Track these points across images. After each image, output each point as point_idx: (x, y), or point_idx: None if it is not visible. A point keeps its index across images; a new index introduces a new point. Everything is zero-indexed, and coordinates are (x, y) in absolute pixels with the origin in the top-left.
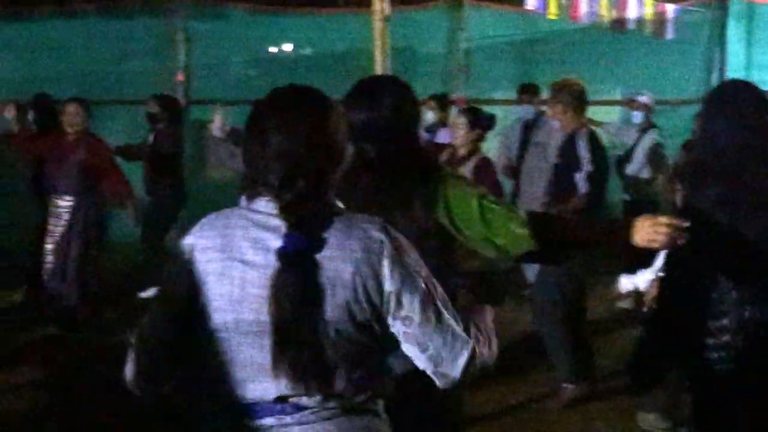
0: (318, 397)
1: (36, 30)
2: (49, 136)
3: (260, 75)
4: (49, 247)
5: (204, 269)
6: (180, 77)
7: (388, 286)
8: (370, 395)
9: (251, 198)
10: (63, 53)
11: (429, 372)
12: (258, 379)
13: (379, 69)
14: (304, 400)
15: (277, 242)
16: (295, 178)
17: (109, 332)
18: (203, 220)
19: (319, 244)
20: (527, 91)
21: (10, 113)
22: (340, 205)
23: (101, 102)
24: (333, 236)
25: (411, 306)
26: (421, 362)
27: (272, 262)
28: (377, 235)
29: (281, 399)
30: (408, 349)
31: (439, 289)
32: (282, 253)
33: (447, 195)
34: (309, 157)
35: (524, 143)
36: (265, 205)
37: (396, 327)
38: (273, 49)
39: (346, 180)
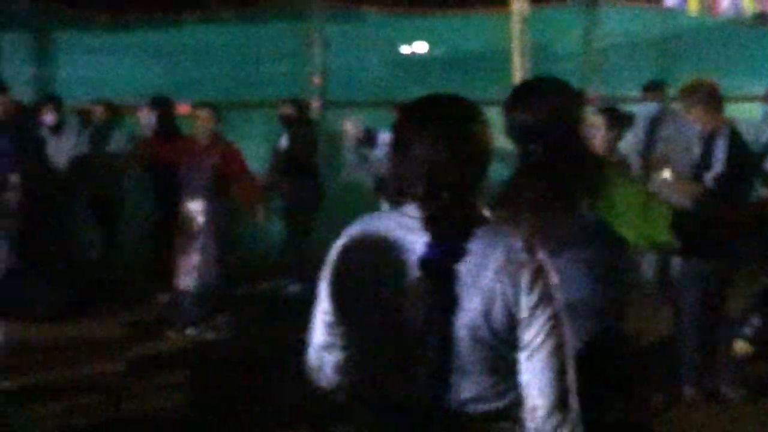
0: (455, 402)
1: (178, 36)
2: (179, 140)
3: (395, 76)
4: (180, 250)
5: (351, 269)
6: (316, 79)
7: (525, 300)
8: (510, 402)
9: (399, 202)
10: (204, 58)
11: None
12: (399, 381)
13: (517, 69)
14: (441, 404)
15: (422, 247)
16: (439, 190)
17: (248, 332)
18: (354, 224)
19: (461, 254)
20: (653, 88)
21: (146, 117)
22: (486, 213)
23: (240, 105)
24: (475, 245)
25: (537, 327)
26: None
27: (416, 265)
28: (520, 247)
29: (420, 402)
30: (523, 373)
31: (568, 333)
32: (423, 262)
33: (610, 189)
34: (454, 169)
35: (651, 140)
36: (412, 209)
37: (527, 339)
38: (407, 50)
39: (513, 182)
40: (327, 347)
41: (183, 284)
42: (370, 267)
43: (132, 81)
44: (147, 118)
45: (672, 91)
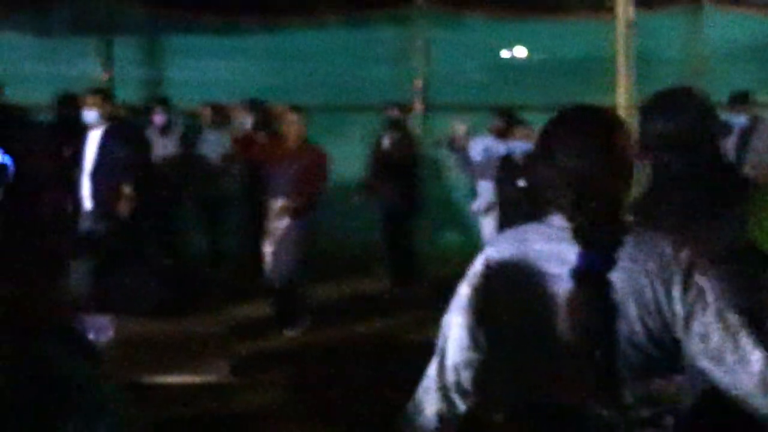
0: (608, 409)
1: (285, 40)
2: (270, 141)
3: (495, 81)
4: (267, 248)
5: (498, 279)
6: (418, 83)
7: (680, 302)
8: (660, 410)
9: (544, 213)
10: (309, 61)
11: (729, 394)
12: (551, 389)
13: (622, 75)
14: (603, 412)
15: (572, 255)
16: (586, 201)
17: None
18: (500, 235)
19: (612, 262)
20: (739, 100)
21: (242, 118)
22: (633, 219)
23: (343, 108)
24: (626, 252)
25: (703, 325)
26: (716, 380)
27: (567, 275)
28: (671, 251)
29: (582, 410)
30: (703, 366)
31: (735, 313)
32: (576, 272)
33: (757, 207)
34: (600, 179)
35: (742, 151)
36: (559, 219)
37: (688, 344)
38: (508, 55)
39: (651, 192)
40: (466, 364)
41: (270, 283)
42: (521, 280)
43: (239, 84)
44: (242, 119)
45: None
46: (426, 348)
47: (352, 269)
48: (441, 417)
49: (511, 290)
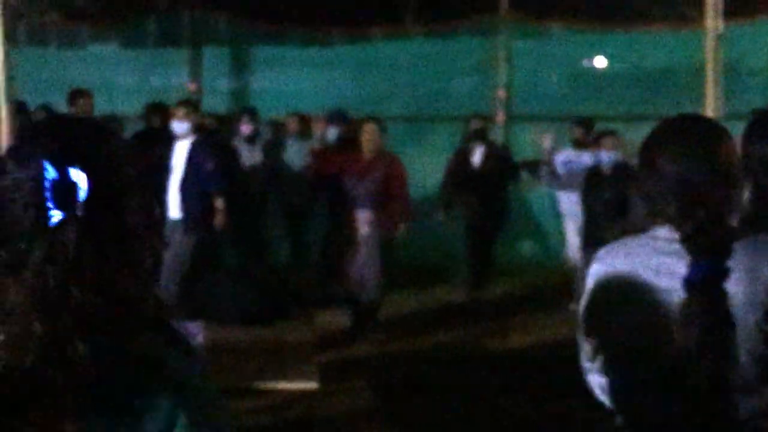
0: (738, 419)
1: (369, 51)
2: (347, 153)
3: (578, 91)
4: (348, 258)
5: (609, 295)
6: (501, 94)
7: None
8: None
9: (650, 225)
10: (393, 72)
11: None
12: (678, 403)
13: (710, 86)
14: (724, 423)
15: (680, 267)
16: (694, 209)
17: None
18: (608, 247)
19: (725, 271)
20: None
21: (323, 130)
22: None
23: (426, 119)
24: (739, 261)
25: None
26: None
27: (677, 287)
28: None
29: (703, 421)
30: None
31: None
32: (688, 283)
33: None
34: (706, 187)
35: None
36: (665, 231)
37: None
38: (590, 66)
39: (755, 216)
40: (590, 371)
41: (350, 293)
42: (631, 295)
43: (324, 94)
44: (324, 131)
45: None
46: (503, 357)
47: (431, 279)
48: None
49: (622, 307)
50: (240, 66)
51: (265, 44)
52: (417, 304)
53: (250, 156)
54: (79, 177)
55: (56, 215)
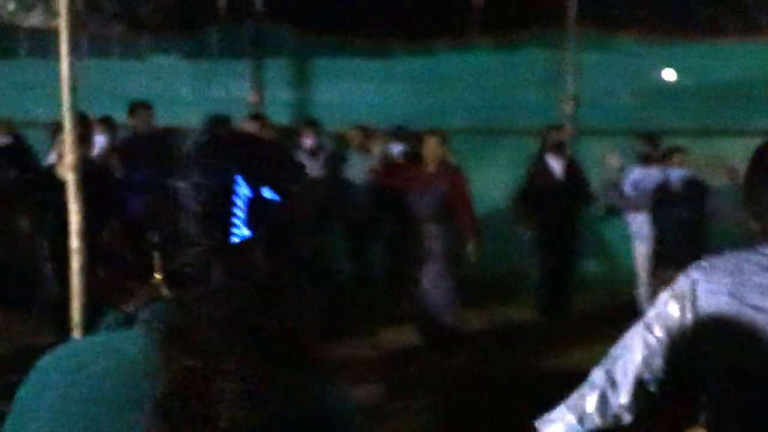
0: None
1: (433, 63)
2: (410, 167)
3: (646, 104)
4: (417, 275)
5: (709, 312)
6: (568, 106)
7: None
8: None
9: (762, 241)
10: (457, 85)
11: None
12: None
13: None
14: None
15: None
16: None
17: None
18: (709, 261)
19: None
20: None
21: (386, 144)
22: None
23: (492, 131)
24: None
25: None
26: None
27: None
28: None
29: None
30: None
31: None
32: None
33: None
34: None
35: None
36: None
37: None
38: (659, 78)
39: None
40: (629, 407)
41: (418, 308)
42: (738, 315)
43: (387, 107)
44: (385, 145)
45: None
46: (568, 377)
47: (499, 296)
48: None
49: (726, 326)
50: (302, 78)
51: (327, 56)
52: (484, 322)
53: (312, 169)
54: (272, 198)
55: (241, 232)
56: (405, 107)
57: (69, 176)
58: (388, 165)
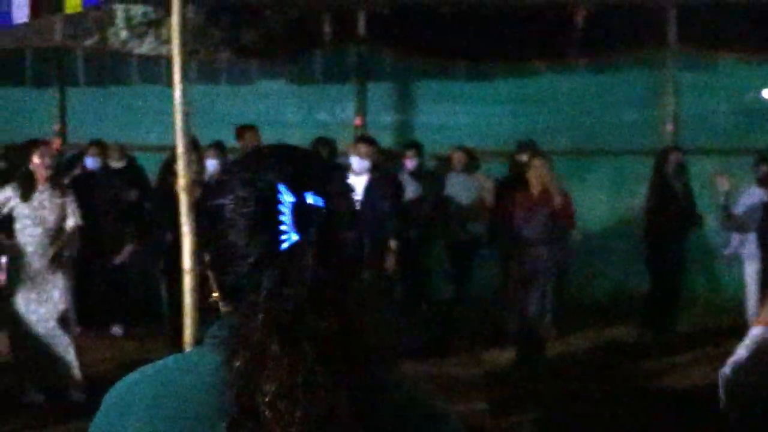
0: None
1: (532, 84)
2: (517, 189)
3: (747, 124)
4: (522, 295)
5: None
6: (669, 127)
7: None
8: None
9: None
10: (556, 106)
11: None
12: None
13: None
14: None
15: None
16: None
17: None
18: None
19: None
20: None
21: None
22: None
23: (591, 152)
24: None
25: None
26: None
27: None
28: None
29: None
30: None
31: None
32: None
33: None
34: None
35: None
36: None
37: None
38: (761, 97)
39: None
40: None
41: (521, 328)
42: None
43: (488, 128)
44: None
45: None
46: (677, 395)
47: (603, 315)
48: None
49: None
50: (404, 101)
51: (429, 79)
52: (588, 340)
53: (414, 190)
54: (315, 202)
55: (289, 238)
56: (505, 129)
57: (182, 198)
58: (498, 187)
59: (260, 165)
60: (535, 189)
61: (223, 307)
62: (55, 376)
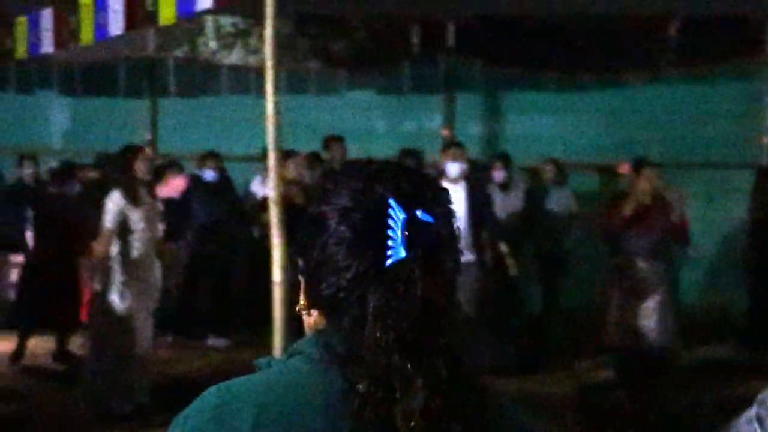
0: None
1: (623, 95)
2: (622, 199)
3: None
4: (622, 309)
5: None
6: (766, 140)
7: None
8: None
9: None
10: (648, 117)
11: None
12: None
13: None
14: None
15: None
16: None
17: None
18: None
19: None
20: None
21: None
22: None
23: (684, 165)
24: None
25: None
26: None
27: None
28: None
29: None
30: None
31: None
32: None
33: None
34: None
35: None
36: None
37: None
38: None
39: None
40: None
41: (625, 343)
42: None
43: (577, 140)
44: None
45: None
46: None
47: (703, 330)
48: None
49: None
50: (492, 112)
51: (518, 90)
52: (689, 355)
53: (503, 202)
54: (426, 220)
55: (396, 255)
56: (596, 141)
57: (273, 211)
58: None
59: (371, 177)
60: (643, 199)
61: (307, 317)
62: (131, 381)
